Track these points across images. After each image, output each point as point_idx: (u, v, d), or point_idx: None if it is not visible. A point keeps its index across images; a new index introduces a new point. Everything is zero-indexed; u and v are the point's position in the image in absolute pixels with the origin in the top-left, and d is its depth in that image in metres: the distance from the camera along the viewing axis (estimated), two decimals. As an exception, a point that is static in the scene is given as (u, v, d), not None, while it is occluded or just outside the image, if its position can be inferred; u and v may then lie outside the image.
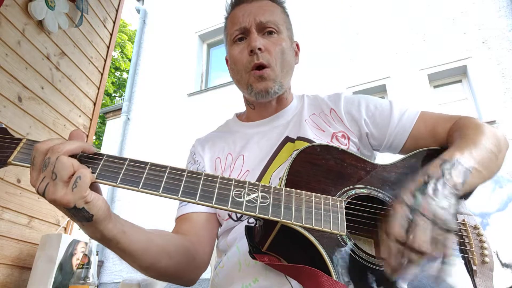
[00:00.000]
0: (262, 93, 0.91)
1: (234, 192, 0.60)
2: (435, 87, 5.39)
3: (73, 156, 0.56)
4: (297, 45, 1.05)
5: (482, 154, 0.71)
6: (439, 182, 0.60)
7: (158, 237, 0.73)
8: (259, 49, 0.89)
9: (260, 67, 0.90)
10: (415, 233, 0.54)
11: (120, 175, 0.57)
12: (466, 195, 0.74)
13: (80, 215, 0.54)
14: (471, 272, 0.64)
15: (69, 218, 0.62)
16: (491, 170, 0.74)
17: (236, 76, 0.96)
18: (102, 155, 0.59)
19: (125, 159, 0.59)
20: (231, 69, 0.98)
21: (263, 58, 0.89)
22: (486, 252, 0.66)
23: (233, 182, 0.61)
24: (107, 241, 0.60)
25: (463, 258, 0.65)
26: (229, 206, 0.58)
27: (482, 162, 0.70)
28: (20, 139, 0.60)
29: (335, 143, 0.89)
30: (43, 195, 0.53)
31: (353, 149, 0.91)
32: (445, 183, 0.60)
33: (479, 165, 0.69)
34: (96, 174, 0.57)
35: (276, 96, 0.97)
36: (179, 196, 0.57)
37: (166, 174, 0.59)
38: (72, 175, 0.53)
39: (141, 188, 0.57)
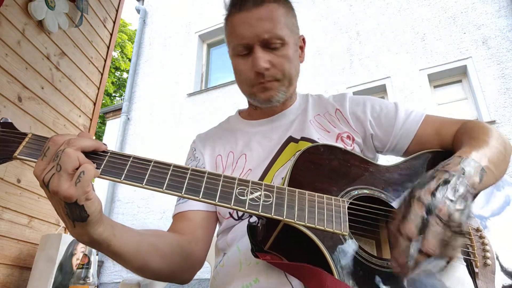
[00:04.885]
0: (265, 102, 0.92)
1: (237, 190, 0.60)
2: (435, 87, 5.39)
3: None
4: (303, 40, 1.01)
5: (494, 154, 0.71)
6: (459, 180, 0.60)
7: (151, 237, 0.73)
8: (266, 68, 0.87)
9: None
10: (426, 234, 0.54)
11: (125, 171, 0.58)
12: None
13: (77, 213, 0.54)
14: (473, 274, 0.63)
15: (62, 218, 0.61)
16: (501, 171, 0.73)
17: (239, 84, 0.96)
18: (107, 151, 0.60)
19: (130, 156, 0.60)
20: (235, 77, 0.97)
21: (269, 77, 0.88)
22: (488, 254, 0.66)
23: (236, 181, 0.61)
24: (97, 244, 0.60)
25: (465, 260, 0.65)
26: (232, 204, 0.58)
27: (494, 162, 0.70)
28: (25, 134, 0.60)
29: (340, 144, 0.89)
30: (47, 186, 0.53)
31: (357, 150, 0.91)
32: (464, 182, 0.60)
33: (492, 164, 0.68)
34: (100, 169, 0.57)
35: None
36: (182, 193, 0.58)
37: (170, 171, 0.59)
38: (77, 168, 0.53)
39: (145, 184, 0.57)
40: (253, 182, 0.62)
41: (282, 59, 0.88)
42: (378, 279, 0.59)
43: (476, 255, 0.65)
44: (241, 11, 0.88)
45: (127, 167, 0.58)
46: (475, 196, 0.70)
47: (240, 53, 0.90)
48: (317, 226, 0.60)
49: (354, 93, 5.43)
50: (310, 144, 0.74)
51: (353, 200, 0.67)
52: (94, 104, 2.66)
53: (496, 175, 0.71)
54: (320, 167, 0.70)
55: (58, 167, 0.52)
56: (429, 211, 0.55)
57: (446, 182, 0.59)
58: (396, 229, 0.56)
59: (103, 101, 12.94)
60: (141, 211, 6.21)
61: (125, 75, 15.49)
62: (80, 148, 0.55)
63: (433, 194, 0.57)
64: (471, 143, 0.72)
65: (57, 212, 0.57)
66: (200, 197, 0.58)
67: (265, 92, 0.90)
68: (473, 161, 0.65)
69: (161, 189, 0.57)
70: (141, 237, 0.69)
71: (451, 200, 0.56)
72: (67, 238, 1.92)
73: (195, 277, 0.87)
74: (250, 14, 0.87)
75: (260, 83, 0.89)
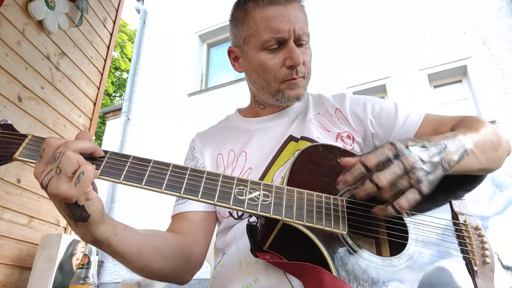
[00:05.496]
0: (293, 99, 0.92)
1: (236, 190, 0.60)
2: (435, 87, 5.39)
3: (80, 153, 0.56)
4: None
5: (482, 140, 0.73)
6: (436, 150, 0.63)
7: (153, 238, 0.73)
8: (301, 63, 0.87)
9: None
10: (383, 168, 0.57)
11: (124, 172, 0.58)
12: (466, 186, 0.75)
13: (78, 213, 0.54)
14: (472, 273, 0.63)
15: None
16: (489, 159, 0.75)
17: (261, 82, 0.92)
18: (106, 152, 0.60)
19: (129, 156, 0.60)
20: (256, 73, 0.92)
21: (300, 73, 0.89)
22: (487, 253, 0.66)
23: (235, 181, 0.61)
24: (98, 243, 0.60)
25: (464, 258, 0.65)
26: (231, 204, 0.59)
27: (481, 147, 0.72)
28: (25, 135, 0.61)
29: (340, 144, 0.89)
30: (46, 188, 0.53)
31: (357, 149, 0.91)
32: (440, 154, 0.63)
33: (477, 149, 0.71)
34: (100, 170, 0.57)
35: None
36: (181, 193, 0.58)
37: (169, 171, 0.60)
38: (76, 170, 0.53)
39: (144, 184, 0.57)
40: (251, 182, 0.62)
41: (308, 56, 0.91)
42: (377, 277, 0.59)
43: (475, 253, 0.65)
44: (274, 4, 0.86)
45: (126, 167, 0.59)
46: (461, 177, 0.71)
47: (269, 47, 0.87)
48: (316, 225, 0.60)
49: (354, 93, 5.43)
50: (309, 144, 0.74)
51: (351, 199, 0.67)
52: (94, 104, 2.66)
53: (482, 161, 0.72)
54: (319, 166, 0.71)
55: (58, 170, 0.53)
56: (396, 155, 0.58)
57: (424, 146, 0.62)
58: (359, 158, 0.59)
59: (103, 101, 12.94)
60: (141, 211, 6.21)
61: (125, 75, 15.49)
62: (79, 150, 0.55)
63: (407, 146, 0.60)
64: (461, 129, 0.75)
65: (60, 213, 0.57)
66: (199, 197, 0.58)
67: (294, 89, 0.90)
68: (458, 140, 0.68)
69: (160, 190, 0.58)
70: (143, 238, 0.70)
71: (421, 159, 0.59)
72: (67, 238, 1.92)
73: (195, 277, 0.87)
74: (286, 9, 0.86)
75: (292, 79, 0.89)
